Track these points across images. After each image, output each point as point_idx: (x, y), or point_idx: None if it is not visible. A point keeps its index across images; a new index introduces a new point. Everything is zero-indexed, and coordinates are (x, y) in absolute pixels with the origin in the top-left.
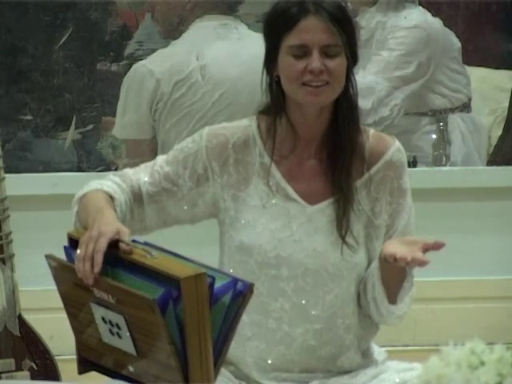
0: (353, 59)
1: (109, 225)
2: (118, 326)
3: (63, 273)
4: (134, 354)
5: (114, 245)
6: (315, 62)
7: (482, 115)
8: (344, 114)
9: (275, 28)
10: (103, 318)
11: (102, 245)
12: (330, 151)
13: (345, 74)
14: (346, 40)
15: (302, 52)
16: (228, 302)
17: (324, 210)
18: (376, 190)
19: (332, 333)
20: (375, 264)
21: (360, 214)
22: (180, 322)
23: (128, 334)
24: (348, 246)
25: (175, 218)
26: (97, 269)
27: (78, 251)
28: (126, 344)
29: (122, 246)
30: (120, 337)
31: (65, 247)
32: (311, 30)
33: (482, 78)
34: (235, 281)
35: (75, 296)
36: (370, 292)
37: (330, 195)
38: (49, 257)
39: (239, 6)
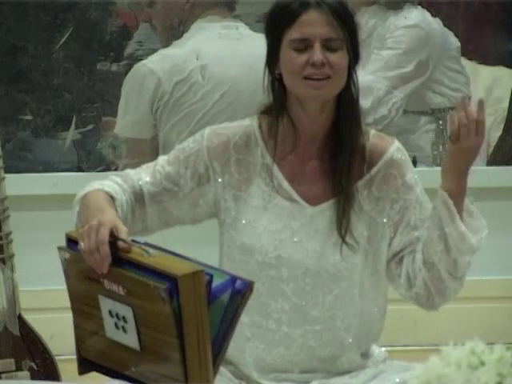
0: (354, 56)
1: (108, 218)
2: (124, 319)
3: (75, 264)
4: (137, 350)
5: (112, 244)
6: (317, 54)
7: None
8: (346, 111)
9: (277, 23)
10: (110, 312)
11: (105, 235)
12: (331, 151)
13: (346, 70)
14: (348, 35)
15: (304, 46)
16: (227, 300)
17: (325, 211)
18: (378, 189)
19: (332, 334)
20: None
21: (361, 214)
22: (179, 319)
23: (134, 327)
24: (348, 245)
25: (176, 218)
26: (106, 261)
27: (82, 244)
28: (130, 338)
29: (119, 243)
30: (125, 331)
31: (67, 245)
32: (312, 23)
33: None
34: (234, 279)
35: (84, 290)
36: (437, 236)
37: (331, 196)
38: (61, 248)
39: (238, 5)
